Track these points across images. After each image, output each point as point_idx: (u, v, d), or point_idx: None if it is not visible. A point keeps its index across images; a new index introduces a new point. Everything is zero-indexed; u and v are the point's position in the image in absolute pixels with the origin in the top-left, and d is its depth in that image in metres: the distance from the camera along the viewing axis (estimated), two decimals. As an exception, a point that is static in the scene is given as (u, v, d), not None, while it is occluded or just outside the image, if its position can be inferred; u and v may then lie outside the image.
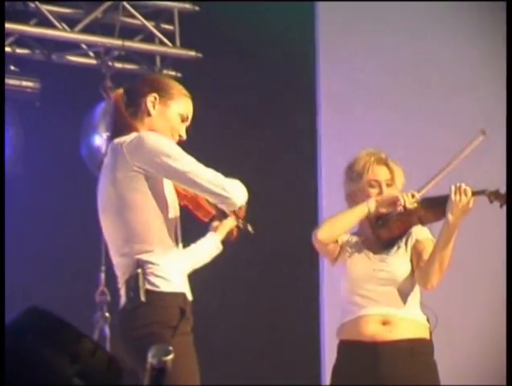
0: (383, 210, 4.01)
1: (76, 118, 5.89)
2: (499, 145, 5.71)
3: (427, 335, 4.02)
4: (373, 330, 4.02)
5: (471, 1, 6.17)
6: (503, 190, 3.92)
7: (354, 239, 4.14)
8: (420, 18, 6.39)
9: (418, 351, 4.01)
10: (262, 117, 6.36)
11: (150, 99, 3.47)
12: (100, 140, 5.92)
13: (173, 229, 3.55)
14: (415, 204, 4.00)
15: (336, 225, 4.16)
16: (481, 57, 6.33)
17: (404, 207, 3.99)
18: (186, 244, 4.02)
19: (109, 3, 6.13)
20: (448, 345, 5.60)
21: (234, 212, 3.71)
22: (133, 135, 3.44)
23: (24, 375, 1.93)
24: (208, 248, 3.88)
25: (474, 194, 3.89)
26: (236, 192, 3.49)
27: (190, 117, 3.55)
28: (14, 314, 2.03)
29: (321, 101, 6.13)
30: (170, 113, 3.54)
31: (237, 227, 3.86)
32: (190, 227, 3.90)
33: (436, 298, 4.62)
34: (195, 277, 3.75)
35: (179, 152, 3.44)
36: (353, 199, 4.06)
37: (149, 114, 3.51)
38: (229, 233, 3.91)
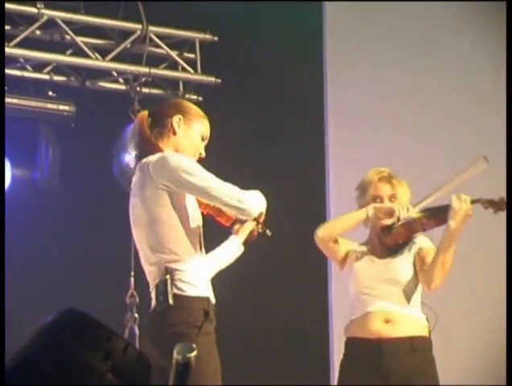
0: (380, 216, 4.20)
1: (108, 138, 6.07)
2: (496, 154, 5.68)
3: (426, 333, 4.17)
4: (378, 328, 4.17)
5: None
6: (496, 198, 4.13)
7: (362, 248, 4.31)
8: (420, 41, 6.37)
9: (418, 348, 4.15)
10: (275, 136, 6.46)
11: (176, 120, 3.66)
12: (129, 158, 5.99)
13: (197, 238, 3.72)
14: (414, 215, 4.22)
15: (336, 225, 4.40)
16: (484, 79, 6.32)
17: (398, 218, 4.18)
18: (209, 248, 4.20)
19: (137, 35, 6.28)
20: (448, 346, 5.68)
21: (254, 218, 3.86)
22: (157, 156, 3.62)
23: (61, 372, 1.96)
24: (230, 250, 4.01)
25: (473, 202, 4.08)
26: (251, 203, 3.66)
27: (208, 136, 3.75)
28: (52, 315, 2.06)
29: (329, 120, 6.29)
30: (192, 133, 3.71)
31: (257, 230, 3.98)
32: (211, 232, 4.02)
33: (440, 300, 4.91)
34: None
35: (198, 169, 3.62)
36: None
37: (174, 133, 3.68)
38: (250, 235, 4.03)
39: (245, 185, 3.68)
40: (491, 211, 4.16)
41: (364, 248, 4.32)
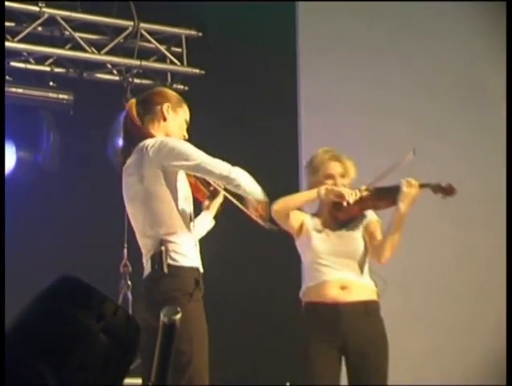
0: (331, 198, 4.31)
1: (103, 124, 6.23)
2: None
3: (376, 297, 4.37)
4: (334, 294, 4.35)
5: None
6: (444, 183, 4.26)
7: (315, 220, 4.40)
8: (394, 31, 6.42)
9: (371, 310, 4.36)
10: (252, 122, 6.58)
11: (165, 107, 3.84)
12: (121, 142, 6.24)
13: (188, 213, 3.88)
14: (366, 193, 4.33)
15: (290, 201, 4.42)
16: (449, 61, 6.38)
17: (348, 202, 4.28)
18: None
19: (129, 31, 6.44)
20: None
21: (255, 209, 3.95)
22: (155, 139, 3.77)
23: (58, 333, 1.99)
24: (203, 224, 4.20)
25: (421, 186, 4.25)
26: (239, 175, 3.77)
27: (188, 120, 3.96)
28: (48, 282, 2.08)
29: (302, 106, 6.44)
30: (178, 118, 3.92)
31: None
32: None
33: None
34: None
35: (192, 149, 3.78)
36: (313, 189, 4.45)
37: (165, 119, 3.86)
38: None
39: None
40: (442, 196, 4.33)
41: (317, 221, 4.43)
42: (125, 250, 6.07)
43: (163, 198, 3.84)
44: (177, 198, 3.87)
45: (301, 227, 4.45)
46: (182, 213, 3.87)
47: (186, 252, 3.83)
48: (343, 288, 4.35)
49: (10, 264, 5.58)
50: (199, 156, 3.77)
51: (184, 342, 3.62)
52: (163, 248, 3.80)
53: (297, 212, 4.46)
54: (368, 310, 4.39)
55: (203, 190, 4.12)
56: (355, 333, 4.35)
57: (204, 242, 4.11)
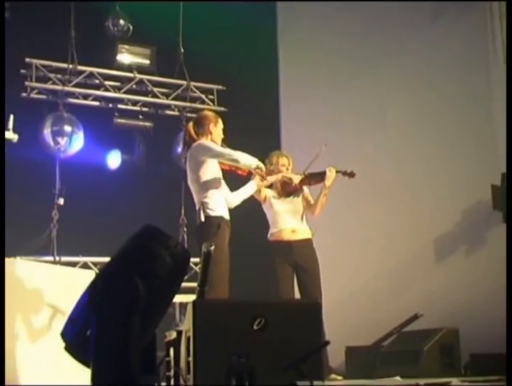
0: (285, 179, 4.94)
1: (167, 139, 7.73)
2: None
3: (311, 236, 5.03)
4: (288, 235, 4.99)
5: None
6: (349, 170, 4.97)
7: (272, 192, 5.03)
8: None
9: (308, 244, 5.03)
10: (238, 110, 7.11)
11: (211, 126, 4.57)
12: (180, 148, 7.25)
13: (218, 183, 4.50)
14: (303, 176, 4.97)
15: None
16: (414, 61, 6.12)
17: (294, 182, 4.89)
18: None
19: (184, 86, 7.68)
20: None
21: (259, 173, 4.52)
22: (198, 143, 4.48)
23: (142, 257, 2.35)
24: (247, 188, 4.70)
25: (336, 171, 4.96)
26: (242, 158, 4.40)
27: (222, 129, 4.54)
28: (140, 228, 2.49)
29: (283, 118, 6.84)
30: (218, 130, 4.61)
31: (261, 177, 4.62)
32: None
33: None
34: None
35: (217, 146, 4.43)
36: (270, 174, 4.90)
37: (210, 134, 4.57)
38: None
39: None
40: (348, 178, 5.02)
41: (273, 193, 5.03)
42: (183, 210, 7.40)
43: (202, 176, 4.45)
44: (212, 176, 4.48)
45: (265, 197, 5.11)
46: (213, 183, 4.45)
47: (214, 207, 4.42)
48: (292, 231, 5.00)
49: (128, 217, 6.10)
50: (218, 149, 4.48)
51: (210, 262, 3.75)
52: (201, 206, 4.39)
53: (262, 189, 5.06)
54: (307, 244, 5.03)
55: (240, 170, 4.61)
56: (300, 257, 4.98)
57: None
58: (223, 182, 4.60)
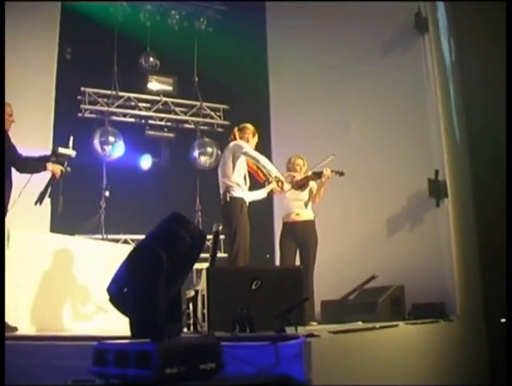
0: (296, 179, 4.70)
1: (182, 146, 7.58)
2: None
3: (313, 218, 4.84)
4: (293, 217, 4.81)
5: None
6: (340, 170, 4.73)
7: (288, 186, 4.75)
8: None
9: (311, 225, 4.80)
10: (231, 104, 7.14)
11: (250, 135, 4.45)
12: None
13: (242, 175, 4.36)
14: (310, 174, 4.78)
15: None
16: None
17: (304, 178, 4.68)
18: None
19: (198, 106, 7.49)
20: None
21: (278, 182, 4.37)
22: (234, 142, 4.35)
23: (167, 238, 2.29)
24: (259, 193, 4.52)
25: (331, 171, 4.76)
26: (267, 164, 4.30)
27: (257, 139, 4.34)
28: (168, 214, 2.38)
29: (273, 131, 6.36)
30: (254, 141, 4.50)
31: (280, 185, 4.41)
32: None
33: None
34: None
35: (250, 148, 4.33)
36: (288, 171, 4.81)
37: (248, 140, 4.45)
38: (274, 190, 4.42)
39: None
40: (338, 176, 4.79)
41: (289, 186, 4.82)
42: (198, 199, 7.38)
43: (231, 165, 4.33)
44: (238, 169, 4.35)
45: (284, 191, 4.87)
46: (238, 174, 4.34)
47: (238, 190, 4.29)
48: (297, 214, 4.83)
49: (156, 205, 6.08)
50: (251, 151, 4.34)
51: (237, 235, 4.08)
52: (227, 189, 4.23)
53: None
54: (307, 224, 4.82)
55: (260, 175, 4.50)
56: (302, 235, 4.76)
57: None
58: (246, 178, 4.49)
